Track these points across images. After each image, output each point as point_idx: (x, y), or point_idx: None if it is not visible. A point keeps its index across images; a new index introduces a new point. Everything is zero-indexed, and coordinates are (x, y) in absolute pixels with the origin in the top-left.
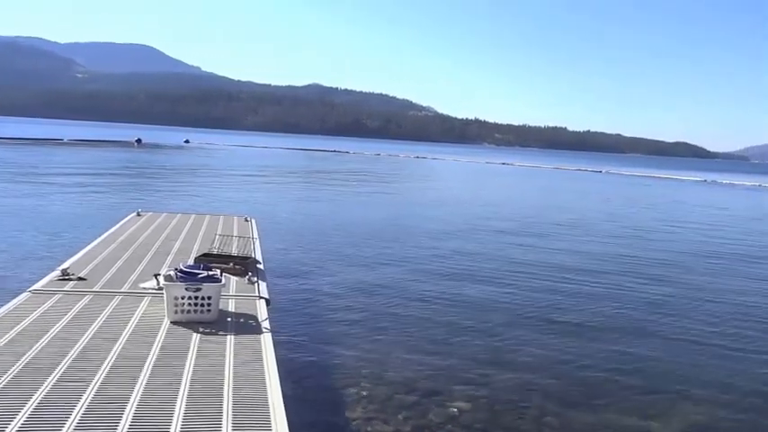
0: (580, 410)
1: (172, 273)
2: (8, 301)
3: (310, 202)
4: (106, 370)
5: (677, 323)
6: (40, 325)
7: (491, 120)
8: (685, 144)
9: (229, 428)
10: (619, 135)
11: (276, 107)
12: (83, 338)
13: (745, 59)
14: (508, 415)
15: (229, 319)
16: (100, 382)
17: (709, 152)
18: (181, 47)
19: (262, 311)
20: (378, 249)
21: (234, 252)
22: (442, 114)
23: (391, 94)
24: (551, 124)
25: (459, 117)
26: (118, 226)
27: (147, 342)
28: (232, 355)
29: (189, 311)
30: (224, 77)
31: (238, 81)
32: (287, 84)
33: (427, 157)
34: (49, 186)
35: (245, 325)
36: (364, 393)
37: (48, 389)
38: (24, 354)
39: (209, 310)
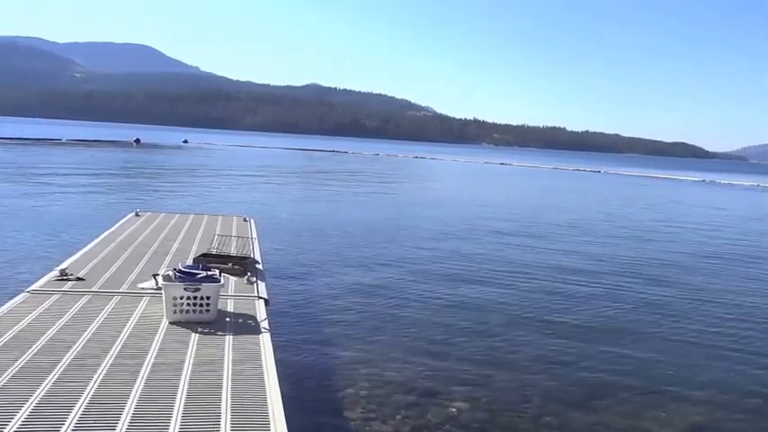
0: (579, 411)
1: (170, 273)
2: (6, 302)
3: (309, 202)
4: (105, 370)
5: (675, 323)
6: (39, 325)
7: (490, 120)
8: (684, 144)
9: (228, 428)
10: (617, 135)
11: (275, 107)
12: (81, 339)
13: (745, 59)
14: (507, 415)
15: (228, 320)
16: (99, 382)
17: (707, 152)
18: (180, 47)
19: (260, 311)
20: (376, 249)
21: (233, 252)
22: (440, 114)
23: (390, 94)
24: (550, 124)
25: (458, 117)
26: (116, 226)
27: (146, 342)
28: (231, 355)
29: (188, 311)
30: (223, 77)
31: (237, 81)
32: (286, 84)
33: (426, 157)
34: (47, 186)
35: (243, 325)
36: (363, 393)
37: (46, 389)
38: (23, 354)
39: (207, 311)
